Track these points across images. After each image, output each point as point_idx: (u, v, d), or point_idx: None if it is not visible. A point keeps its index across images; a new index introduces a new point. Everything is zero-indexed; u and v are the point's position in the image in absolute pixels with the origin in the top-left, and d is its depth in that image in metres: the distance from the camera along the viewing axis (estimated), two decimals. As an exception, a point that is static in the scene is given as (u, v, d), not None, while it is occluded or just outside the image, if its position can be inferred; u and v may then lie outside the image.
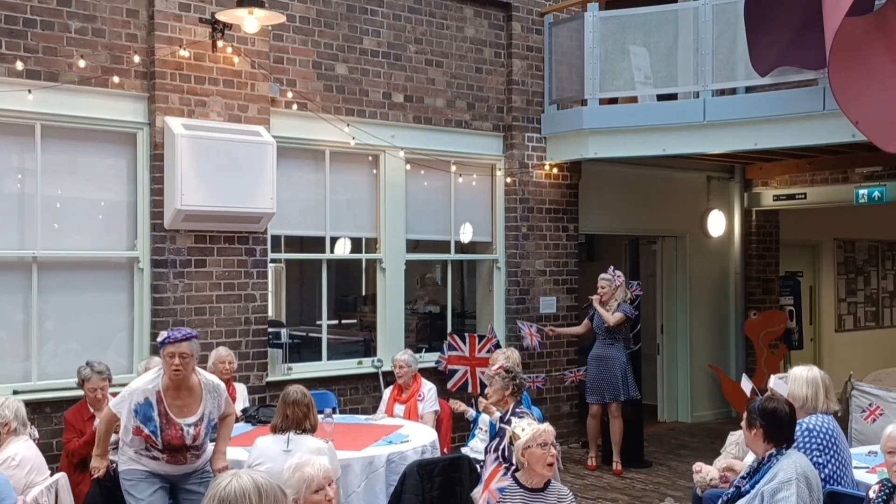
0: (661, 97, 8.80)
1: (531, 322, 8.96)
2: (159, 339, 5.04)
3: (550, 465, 4.42)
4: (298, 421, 5.04)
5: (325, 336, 8.18)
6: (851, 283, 13.39)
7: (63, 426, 6.07)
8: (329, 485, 3.62)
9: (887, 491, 4.20)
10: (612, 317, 8.44)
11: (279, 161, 7.36)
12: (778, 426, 4.42)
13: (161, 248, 7.00)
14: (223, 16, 6.99)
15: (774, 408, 4.46)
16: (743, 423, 4.55)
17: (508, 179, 9.12)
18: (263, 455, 4.93)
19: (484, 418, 6.83)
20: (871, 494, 4.29)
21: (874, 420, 6.78)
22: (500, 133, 9.16)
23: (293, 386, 5.21)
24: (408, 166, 8.47)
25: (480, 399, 6.72)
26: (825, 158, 10.15)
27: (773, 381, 5.50)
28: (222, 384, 5.29)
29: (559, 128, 9.17)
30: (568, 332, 9.10)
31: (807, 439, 4.74)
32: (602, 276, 8.62)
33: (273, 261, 8.00)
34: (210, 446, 5.23)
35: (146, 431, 4.94)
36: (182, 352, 4.93)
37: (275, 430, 5.07)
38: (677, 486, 8.01)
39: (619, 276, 8.58)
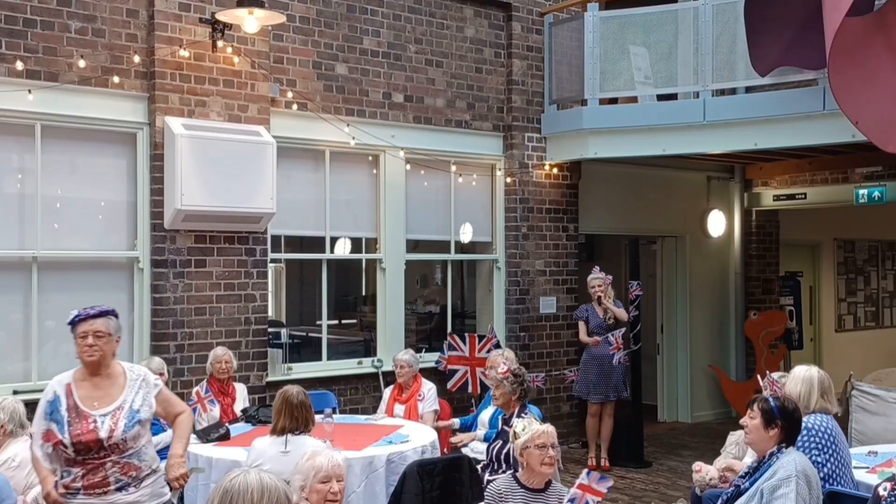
0: (661, 97, 8.80)
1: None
2: (68, 319, 4.19)
3: (547, 464, 4.44)
4: (305, 423, 5.01)
5: (325, 336, 8.18)
6: (851, 283, 13.39)
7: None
8: (338, 480, 3.67)
9: None
10: (622, 312, 8.54)
11: (279, 161, 7.36)
12: (795, 426, 4.46)
13: (161, 248, 7.01)
14: (223, 16, 6.99)
15: (794, 408, 4.48)
16: (753, 421, 4.46)
17: (508, 179, 9.12)
18: (262, 456, 4.90)
19: (483, 418, 6.84)
20: (882, 492, 4.25)
21: None
22: (500, 133, 9.16)
23: (292, 387, 5.10)
24: (408, 166, 8.47)
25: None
26: (825, 158, 10.15)
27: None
28: (154, 377, 4.38)
29: (559, 128, 9.16)
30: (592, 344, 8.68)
31: (806, 438, 4.74)
32: (592, 276, 8.58)
33: (273, 261, 8.00)
34: (155, 476, 4.24)
35: (55, 431, 4.05)
36: (97, 329, 4.12)
37: (282, 432, 4.95)
38: (677, 486, 8.00)
39: (607, 275, 8.61)
